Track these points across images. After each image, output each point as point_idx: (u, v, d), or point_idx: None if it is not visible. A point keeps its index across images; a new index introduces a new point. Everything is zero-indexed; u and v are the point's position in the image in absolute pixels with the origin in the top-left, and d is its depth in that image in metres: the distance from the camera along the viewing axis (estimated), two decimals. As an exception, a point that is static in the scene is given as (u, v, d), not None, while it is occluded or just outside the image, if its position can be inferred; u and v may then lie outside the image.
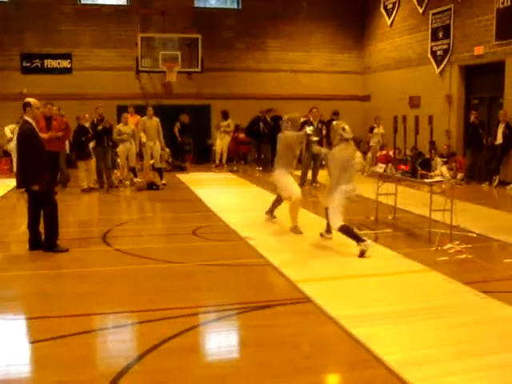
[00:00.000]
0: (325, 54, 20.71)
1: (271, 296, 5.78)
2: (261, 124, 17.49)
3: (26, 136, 7.47)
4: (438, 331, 4.80)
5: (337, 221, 7.37)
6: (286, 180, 8.84)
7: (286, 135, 8.92)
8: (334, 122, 7.83)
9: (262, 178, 15.48)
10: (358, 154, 17.31)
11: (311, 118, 13.93)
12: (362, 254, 7.12)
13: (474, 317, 5.13)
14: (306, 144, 13.96)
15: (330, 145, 17.62)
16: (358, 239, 7.20)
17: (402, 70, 18.45)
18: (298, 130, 9.13)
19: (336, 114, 18.18)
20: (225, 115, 18.09)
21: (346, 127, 7.48)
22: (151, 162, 14.15)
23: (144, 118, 14.07)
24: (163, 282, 6.34)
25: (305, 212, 10.40)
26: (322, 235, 8.17)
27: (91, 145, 13.45)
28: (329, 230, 8.03)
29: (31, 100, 7.66)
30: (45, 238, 7.59)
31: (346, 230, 7.33)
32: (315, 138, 9.17)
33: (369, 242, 7.24)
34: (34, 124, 7.57)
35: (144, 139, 14.09)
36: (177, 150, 17.67)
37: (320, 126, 13.90)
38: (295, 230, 8.68)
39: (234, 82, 19.73)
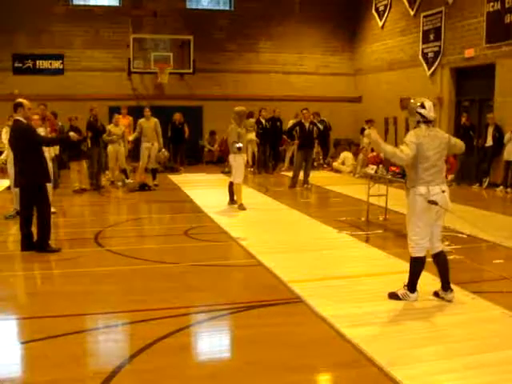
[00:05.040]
0: (317, 55, 20.77)
1: (263, 296, 5.80)
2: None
3: (24, 131, 7.48)
4: (428, 331, 4.86)
5: (413, 243, 5.55)
6: (238, 163, 10.51)
7: (230, 128, 10.50)
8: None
9: (254, 179, 15.51)
10: (350, 156, 17.42)
11: (302, 120, 13.99)
12: (393, 296, 5.66)
13: (464, 317, 5.19)
14: (298, 144, 14.04)
15: (322, 147, 17.85)
16: (413, 287, 5.60)
17: (393, 71, 18.54)
18: (242, 121, 10.57)
19: (316, 114, 18.02)
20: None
21: (427, 103, 5.40)
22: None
23: (141, 119, 13.71)
24: (155, 283, 6.35)
25: (296, 213, 10.46)
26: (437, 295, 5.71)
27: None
28: (445, 286, 5.65)
29: (23, 100, 7.64)
30: (37, 238, 7.60)
31: (417, 264, 5.54)
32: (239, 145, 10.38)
33: (415, 296, 5.59)
34: (26, 123, 7.58)
35: (131, 138, 14.24)
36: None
37: (311, 127, 13.95)
38: (240, 206, 10.53)
39: (225, 84, 19.75)
